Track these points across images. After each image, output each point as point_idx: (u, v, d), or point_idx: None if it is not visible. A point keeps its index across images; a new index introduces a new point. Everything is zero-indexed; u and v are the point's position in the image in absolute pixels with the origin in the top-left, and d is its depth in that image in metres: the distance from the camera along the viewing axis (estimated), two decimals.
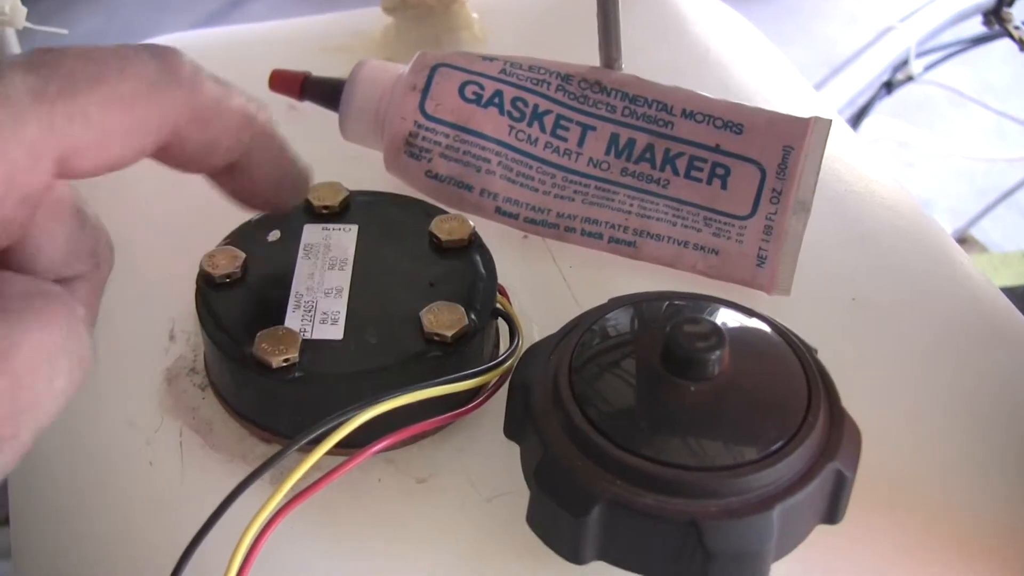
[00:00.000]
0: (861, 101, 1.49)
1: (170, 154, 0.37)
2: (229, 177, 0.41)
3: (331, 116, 0.56)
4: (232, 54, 0.71)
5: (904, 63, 1.48)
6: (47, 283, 0.34)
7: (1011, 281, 1.41)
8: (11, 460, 0.32)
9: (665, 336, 0.39)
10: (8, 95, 0.31)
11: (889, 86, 1.49)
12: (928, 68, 1.51)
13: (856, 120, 1.48)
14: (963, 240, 1.60)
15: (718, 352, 0.39)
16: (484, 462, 0.45)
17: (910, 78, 1.48)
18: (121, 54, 0.34)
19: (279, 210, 0.44)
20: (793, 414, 0.39)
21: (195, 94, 0.36)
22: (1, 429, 0.31)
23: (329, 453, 0.39)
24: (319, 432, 0.39)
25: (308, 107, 0.57)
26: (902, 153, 2.04)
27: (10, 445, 0.32)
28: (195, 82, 0.36)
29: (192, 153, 0.37)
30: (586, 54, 0.57)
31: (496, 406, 0.43)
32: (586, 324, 0.42)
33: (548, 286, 0.53)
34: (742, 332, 0.42)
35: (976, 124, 2.15)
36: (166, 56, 0.35)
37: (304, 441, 0.39)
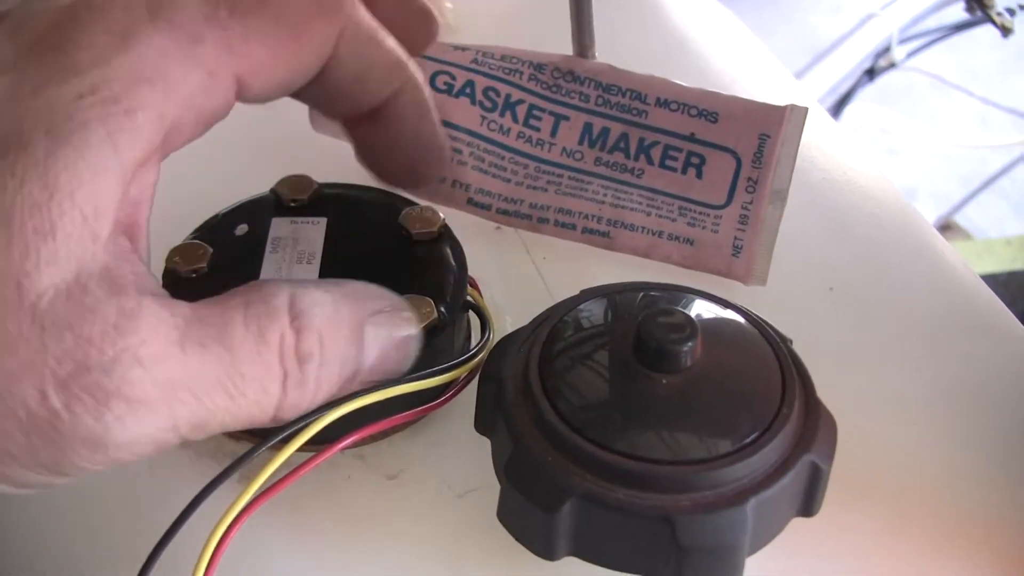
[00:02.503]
0: (843, 88, 1.49)
1: (327, 80, 0.38)
2: (373, 127, 0.41)
3: (300, 107, 0.55)
4: None
5: (886, 50, 1.48)
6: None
7: (994, 267, 1.41)
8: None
9: (637, 328, 0.39)
10: (183, 21, 0.33)
11: (871, 73, 1.49)
12: (911, 55, 1.52)
13: (838, 107, 1.48)
14: (946, 227, 1.60)
15: (690, 344, 0.38)
16: (455, 457, 0.44)
17: (892, 65, 1.48)
18: None
19: (413, 184, 0.46)
20: (767, 406, 0.38)
21: (355, 17, 0.37)
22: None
23: (298, 450, 0.38)
24: (289, 431, 0.39)
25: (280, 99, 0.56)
26: (885, 140, 2.04)
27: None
28: (355, 7, 0.37)
29: (346, 80, 0.38)
30: (561, 43, 0.56)
31: (467, 400, 0.43)
32: (557, 316, 0.42)
33: (521, 278, 0.52)
34: (715, 323, 0.41)
35: (959, 110, 2.15)
36: None
37: (275, 440, 0.39)
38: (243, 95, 0.35)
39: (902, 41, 1.47)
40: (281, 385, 0.34)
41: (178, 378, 0.31)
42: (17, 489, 0.32)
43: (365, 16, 0.37)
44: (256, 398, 0.33)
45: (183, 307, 0.33)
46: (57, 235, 0.30)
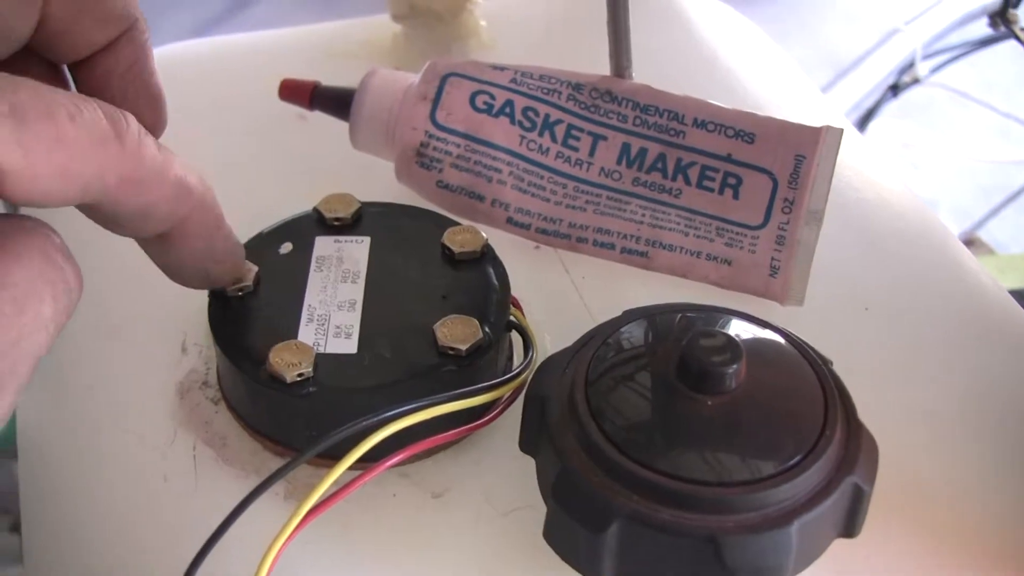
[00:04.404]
0: (868, 104, 1.49)
1: (101, 212, 0.37)
2: (160, 247, 0.41)
3: (341, 125, 0.56)
4: (240, 62, 0.71)
5: (910, 65, 1.48)
6: (16, 217, 0.35)
7: (1018, 283, 1.41)
8: (12, 394, 0.33)
9: (681, 350, 0.39)
10: None
11: (895, 89, 1.49)
12: (934, 70, 1.51)
13: (863, 123, 1.48)
14: (969, 242, 1.60)
15: (735, 366, 0.38)
16: (499, 476, 0.45)
17: (916, 80, 1.48)
18: (75, 101, 0.34)
19: (205, 286, 0.45)
20: (810, 428, 0.39)
21: (136, 159, 0.36)
22: None
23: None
24: (328, 443, 0.39)
25: (317, 116, 0.57)
26: (907, 154, 2.04)
27: (9, 379, 0.33)
28: (139, 146, 0.36)
29: (124, 215, 0.38)
30: (592, 61, 0.57)
31: (510, 419, 0.43)
32: (601, 337, 0.42)
33: (561, 297, 0.53)
34: (758, 345, 0.42)
35: (981, 125, 2.14)
36: (115, 117, 0.35)
37: (313, 453, 0.39)
38: None
39: (926, 57, 1.47)
40: None
41: None
42: None
43: (148, 155, 0.37)
44: None
45: None
46: None
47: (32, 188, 0.33)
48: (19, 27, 0.40)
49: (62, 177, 0.34)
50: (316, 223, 0.50)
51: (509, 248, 0.51)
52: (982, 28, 1.40)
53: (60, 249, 0.35)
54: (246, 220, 0.47)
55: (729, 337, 0.39)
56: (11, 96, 0.32)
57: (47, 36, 0.41)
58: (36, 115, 0.33)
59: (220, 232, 0.42)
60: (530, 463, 0.41)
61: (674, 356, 0.39)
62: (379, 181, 0.55)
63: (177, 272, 0.43)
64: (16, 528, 0.81)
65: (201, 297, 0.47)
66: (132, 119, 0.36)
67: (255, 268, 0.47)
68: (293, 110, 0.57)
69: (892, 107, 1.52)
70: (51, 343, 0.35)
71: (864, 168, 0.62)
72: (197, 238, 0.41)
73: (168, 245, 0.40)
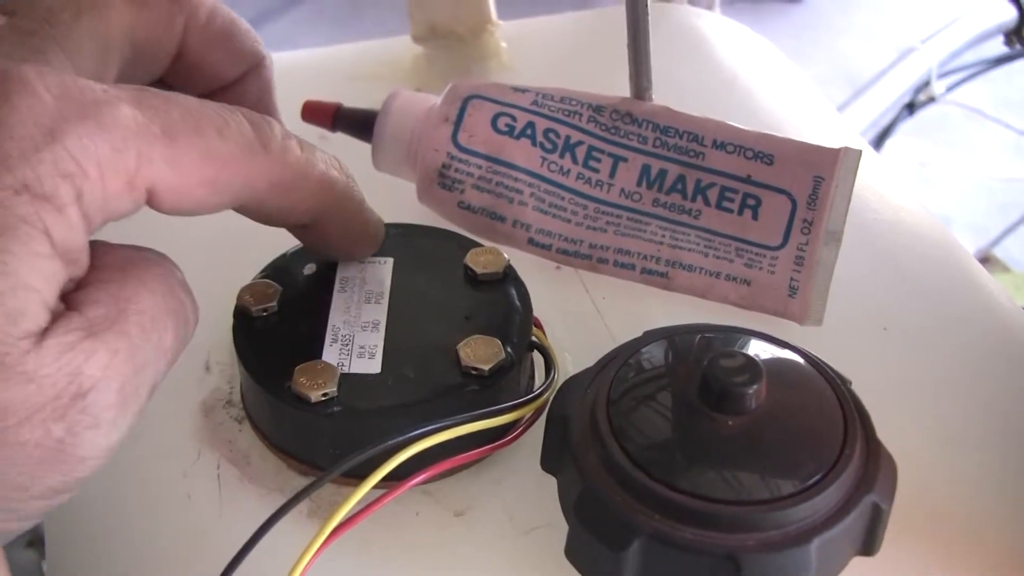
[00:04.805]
0: (884, 122, 1.50)
1: (249, 211, 0.39)
2: (304, 232, 0.43)
3: (363, 146, 0.57)
4: None
5: (926, 84, 1.48)
6: (144, 249, 0.36)
7: None
8: (133, 416, 0.35)
9: (702, 370, 0.39)
10: (115, 124, 0.33)
11: (911, 107, 1.49)
12: (950, 88, 1.52)
13: (879, 141, 1.48)
14: (985, 259, 1.60)
15: (755, 386, 0.39)
16: (520, 494, 0.45)
17: (932, 99, 1.48)
18: (222, 115, 0.36)
19: (348, 259, 0.48)
20: (830, 447, 0.39)
21: (281, 165, 0.38)
22: (124, 388, 0.34)
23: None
24: (355, 462, 0.40)
25: (339, 137, 0.57)
26: (921, 172, 2.04)
27: (132, 401, 0.34)
28: (284, 151, 0.38)
29: (270, 213, 0.40)
30: (611, 82, 0.57)
31: (531, 438, 0.44)
32: (622, 357, 0.42)
33: (581, 317, 0.53)
34: (777, 365, 0.42)
35: (997, 143, 2.14)
36: (261, 125, 0.37)
37: (340, 471, 0.40)
38: (151, 204, 0.35)
39: (942, 75, 1.47)
40: None
41: None
42: (21, 525, 0.35)
43: (292, 160, 0.38)
44: None
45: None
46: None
47: (183, 201, 0.35)
48: (159, 57, 0.42)
49: (212, 188, 0.36)
50: None
51: (530, 268, 0.51)
52: (998, 46, 1.41)
53: (181, 283, 0.37)
54: (269, 241, 0.47)
55: (749, 357, 0.40)
56: (164, 116, 0.34)
57: (183, 68, 0.43)
58: (186, 133, 0.34)
59: (361, 217, 0.45)
60: (551, 482, 0.42)
61: (695, 376, 0.40)
62: (400, 202, 0.56)
63: (318, 251, 0.47)
64: (32, 544, 0.81)
65: (225, 316, 0.48)
66: (276, 125, 0.38)
67: (279, 288, 0.47)
68: (315, 131, 0.57)
69: (908, 125, 1.52)
70: (167, 372, 0.36)
71: (881, 188, 0.62)
72: (339, 224, 0.44)
73: (313, 231, 0.43)
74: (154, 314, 0.35)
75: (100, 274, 0.35)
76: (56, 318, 0.33)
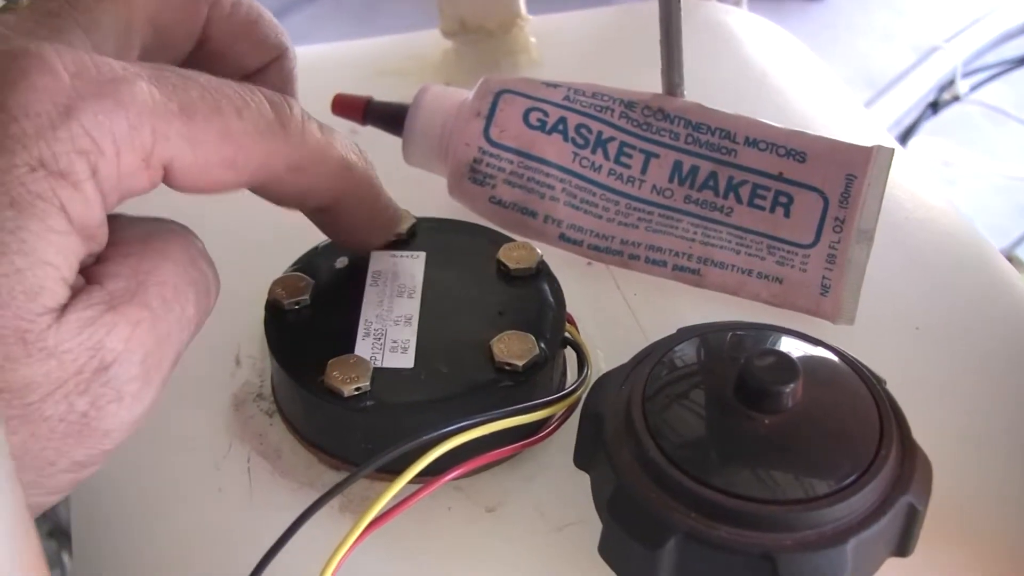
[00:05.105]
0: (907, 121, 1.49)
1: (267, 191, 0.39)
2: (320, 215, 0.43)
3: (393, 140, 0.57)
4: None
5: (950, 83, 1.48)
6: (164, 221, 0.37)
7: None
8: (156, 388, 0.35)
9: (739, 368, 0.39)
10: (132, 101, 0.33)
11: (935, 106, 1.48)
12: (973, 88, 1.51)
13: (903, 140, 1.48)
14: (1007, 260, 1.59)
15: (792, 385, 0.39)
16: (553, 491, 0.45)
17: (956, 98, 1.48)
18: (242, 94, 0.36)
19: (364, 248, 0.48)
20: (866, 447, 0.39)
21: (300, 146, 0.38)
22: (146, 360, 0.34)
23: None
24: (389, 457, 0.40)
25: (370, 131, 0.57)
26: (943, 171, 2.03)
27: (155, 373, 0.34)
28: (303, 133, 0.38)
29: (287, 195, 0.40)
30: (640, 77, 0.57)
31: (564, 435, 0.44)
32: (657, 355, 0.42)
33: (613, 313, 0.53)
34: (813, 363, 0.42)
35: (1019, 143, 2.13)
36: (280, 105, 0.37)
37: (374, 466, 0.40)
38: (168, 182, 0.35)
39: (966, 75, 1.47)
40: None
41: None
42: (50, 499, 0.35)
43: (311, 141, 0.38)
44: None
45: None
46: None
47: (201, 179, 0.35)
48: (181, 43, 0.42)
49: (230, 167, 0.36)
50: None
51: (561, 264, 0.51)
52: (1021, 46, 1.40)
53: (203, 254, 0.37)
54: (300, 234, 0.47)
55: (786, 356, 0.40)
56: (182, 94, 0.34)
57: (205, 56, 0.43)
58: (205, 112, 0.34)
59: (379, 203, 0.44)
60: (583, 478, 0.42)
61: (731, 374, 0.39)
62: (431, 196, 0.55)
63: (334, 237, 0.46)
64: (53, 534, 0.82)
65: (256, 310, 0.47)
66: (296, 105, 0.38)
67: (311, 282, 0.47)
68: (345, 124, 0.57)
69: (931, 124, 1.52)
70: (189, 343, 0.36)
71: (912, 187, 0.62)
72: (357, 210, 0.43)
73: (329, 215, 0.43)
74: (175, 285, 0.35)
75: (120, 248, 0.35)
76: (76, 293, 0.33)
